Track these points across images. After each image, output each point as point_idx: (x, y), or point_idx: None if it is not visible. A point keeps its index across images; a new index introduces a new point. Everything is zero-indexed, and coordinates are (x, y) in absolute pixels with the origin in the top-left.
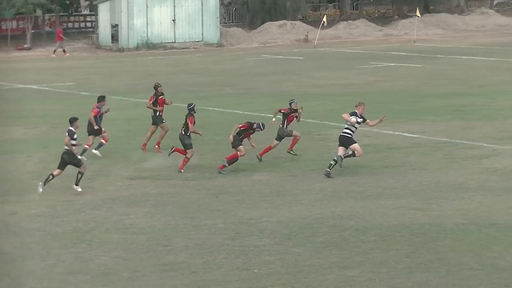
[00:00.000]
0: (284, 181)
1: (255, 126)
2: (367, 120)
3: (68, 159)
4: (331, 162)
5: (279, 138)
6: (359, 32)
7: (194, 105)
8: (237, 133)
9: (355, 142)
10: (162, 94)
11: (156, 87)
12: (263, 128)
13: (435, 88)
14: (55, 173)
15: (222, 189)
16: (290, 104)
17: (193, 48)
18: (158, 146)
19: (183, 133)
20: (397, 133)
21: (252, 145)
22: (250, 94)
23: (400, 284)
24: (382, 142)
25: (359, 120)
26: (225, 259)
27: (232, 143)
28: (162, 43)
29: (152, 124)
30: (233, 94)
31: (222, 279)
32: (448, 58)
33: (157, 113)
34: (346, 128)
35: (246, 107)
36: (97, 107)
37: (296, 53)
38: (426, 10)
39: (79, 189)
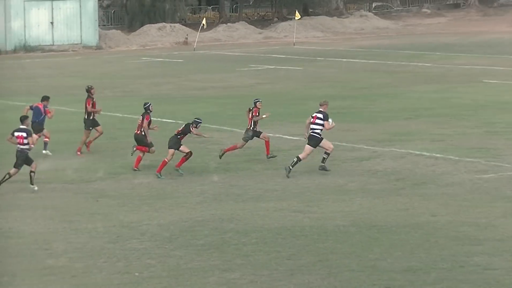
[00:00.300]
0: (164, 184)
1: (190, 128)
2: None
3: (19, 156)
4: (294, 159)
5: (250, 138)
6: (239, 34)
7: (150, 104)
8: (174, 134)
9: (319, 142)
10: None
11: (89, 90)
12: (198, 124)
13: (315, 90)
14: (11, 172)
15: (102, 192)
16: (255, 103)
17: (72, 50)
18: (80, 151)
19: (140, 132)
20: (277, 135)
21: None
22: (130, 97)
23: (281, 286)
24: (262, 145)
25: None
26: (105, 263)
27: (168, 143)
28: (40, 45)
29: (94, 128)
30: (112, 97)
31: (103, 283)
32: (328, 60)
33: (91, 117)
34: (313, 128)
35: (126, 110)
36: (45, 106)
37: (176, 56)
38: (305, 12)
39: (36, 188)
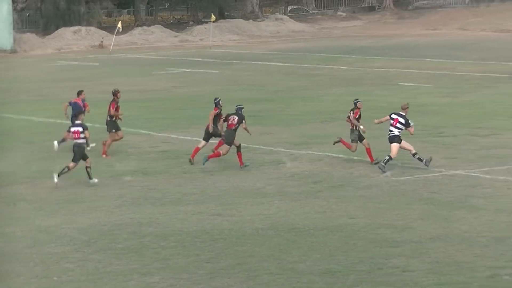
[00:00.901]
0: (82, 188)
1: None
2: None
3: (76, 151)
4: (386, 158)
5: (357, 140)
6: (155, 38)
7: (220, 99)
8: (231, 129)
9: (400, 142)
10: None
11: (116, 93)
12: (242, 109)
13: (231, 93)
14: (70, 165)
15: (19, 196)
16: (356, 104)
17: None
18: (105, 154)
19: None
20: (195, 138)
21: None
22: (46, 101)
23: None
24: (181, 148)
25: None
26: (24, 268)
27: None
28: None
29: (114, 131)
30: (28, 101)
31: (21, 287)
32: (244, 63)
33: (114, 119)
34: (393, 129)
35: (42, 113)
36: (83, 100)
37: (91, 59)
38: (221, 16)
39: (96, 180)
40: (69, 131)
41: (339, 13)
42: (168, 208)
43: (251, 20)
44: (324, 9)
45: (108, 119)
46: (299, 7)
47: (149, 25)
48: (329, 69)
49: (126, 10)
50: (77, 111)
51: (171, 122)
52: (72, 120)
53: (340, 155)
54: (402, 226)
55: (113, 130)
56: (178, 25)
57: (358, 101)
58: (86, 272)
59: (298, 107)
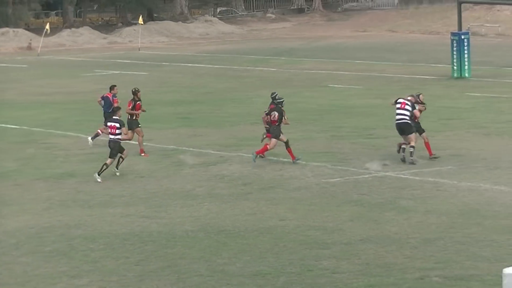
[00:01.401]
0: (9, 190)
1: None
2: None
3: (113, 147)
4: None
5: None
6: (83, 40)
7: (277, 94)
8: (275, 125)
9: (413, 131)
10: (140, 99)
11: (136, 93)
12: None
13: (161, 95)
14: (107, 162)
15: None
16: (418, 96)
17: None
18: (143, 152)
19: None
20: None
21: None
22: None
23: None
24: (108, 150)
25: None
26: None
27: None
28: None
29: (129, 130)
30: None
31: None
32: (174, 65)
33: (133, 118)
34: (402, 114)
35: None
36: (114, 96)
37: (19, 61)
38: (150, 17)
39: (117, 173)
40: (106, 125)
41: (269, 15)
42: (96, 210)
43: (180, 22)
44: (254, 11)
45: (129, 118)
46: (228, 8)
47: (77, 27)
48: (258, 71)
49: (54, 12)
50: (108, 105)
51: (100, 124)
52: (105, 115)
53: (270, 157)
54: (332, 228)
55: (139, 126)
56: (107, 27)
57: (421, 94)
58: (15, 275)
59: (228, 109)
